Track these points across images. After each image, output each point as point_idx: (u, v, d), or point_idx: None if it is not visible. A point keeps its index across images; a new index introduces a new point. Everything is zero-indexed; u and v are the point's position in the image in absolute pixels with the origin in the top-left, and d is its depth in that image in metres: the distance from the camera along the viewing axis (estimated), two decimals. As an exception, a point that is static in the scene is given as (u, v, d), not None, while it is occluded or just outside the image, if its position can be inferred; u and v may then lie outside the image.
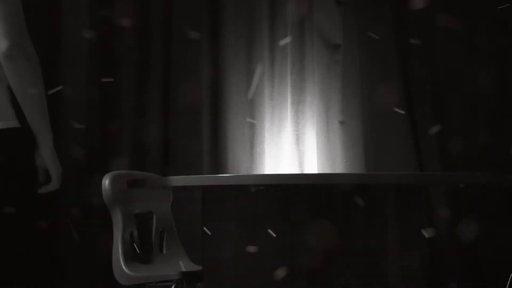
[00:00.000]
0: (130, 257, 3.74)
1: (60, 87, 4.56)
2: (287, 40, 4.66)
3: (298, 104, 4.67)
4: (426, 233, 2.84)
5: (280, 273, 2.73)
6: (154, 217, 4.09)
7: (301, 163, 4.63)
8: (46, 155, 2.69)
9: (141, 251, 3.95)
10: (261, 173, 4.62)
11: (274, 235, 2.72)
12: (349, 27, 4.65)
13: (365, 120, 4.61)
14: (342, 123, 4.62)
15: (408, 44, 4.63)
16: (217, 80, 4.77)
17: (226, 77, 4.76)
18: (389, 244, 2.74)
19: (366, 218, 2.73)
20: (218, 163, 4.69)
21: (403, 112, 4.59)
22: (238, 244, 2.81)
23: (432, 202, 4.52)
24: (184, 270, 3.80)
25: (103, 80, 4.66)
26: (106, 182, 3.58)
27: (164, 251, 4.04)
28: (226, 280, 2.84)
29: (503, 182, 3.01)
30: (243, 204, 2.81)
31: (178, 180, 2.90)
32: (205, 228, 2.73)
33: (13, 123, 2.69)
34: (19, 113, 2.72)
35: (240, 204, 2.81)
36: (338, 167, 4.56)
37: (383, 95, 4.62)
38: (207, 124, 4.74)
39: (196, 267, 3.93)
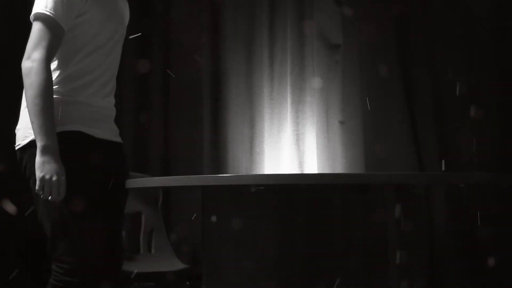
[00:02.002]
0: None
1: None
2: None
3: (298, 104, 4.67)
4: None
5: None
6: (143, 217, 4.09)
7: (301, 163, 4.63)
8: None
9: (129, 250, 3.97)
10: (261, 173, 4.62)
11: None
12: (349, 27, 4.65)
13: (365, 120, 4.61)
14: (342, 123, 4.62)
15: (408, 43, 4.63)
16: (217, 80, 4.76)
17: (226, 78, 4.76)
18: (389, 244, 2.74)
19: (366, 218, 2.73)
20: (218, 163, 4.69)
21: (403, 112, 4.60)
22: (238, 244, 2.81)
23: (432, 202, 4.52)
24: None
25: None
26: None
27: (153, 251, 4.05)
28: (226, 280, 2.84)
29: (503, 182, 3.01)
30: (243, 204, 2.81)
31: (178, 180, 2.90)
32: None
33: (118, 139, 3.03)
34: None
35: (240, 204, 2.81)
36: (338, 167, 4.56)
37: (383, 95, 4.62)
38: (207, 124, 4.74)
39: (185, 266, 3.94)
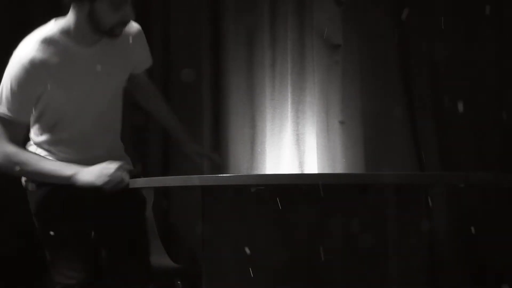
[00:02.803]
0: None
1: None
2: None
3: (298, 104, 4.67)
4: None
5: None
6: None
7: (301, 163, 4.63)
8: None
9: None
10: (261, 173, 4.62)
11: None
12: (349, 27, 4.65)
13: (365, 120, 4.61)
14: (342, 123, 4.62)
15: (408, 43, 4.63)
16: (218, 80, 4.77)
17: (226, 78, 4.76)
18: (389, 245, 2.74)
19: (366, 218, 2.73)
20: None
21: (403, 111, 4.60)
22: (238, 244, 2.81)
23: (432, 202, 4.52)
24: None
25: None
26: None
27: None
28: (226, 280, 2.84)
29: (503, 182, 3.01)
30: (243, 204, 2.81)
31: (178, 180, 2.90)
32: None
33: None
34: None
35: (240, 204, 2.81)
36: (338, 167, 4.56)
37: (383, 95, 4.63)
38: (207, 124, 4.74)
39: (176, 266, 3.95)
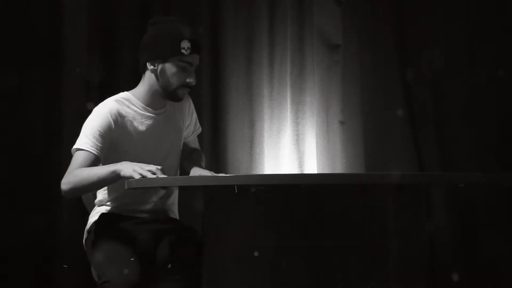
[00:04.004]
0: None
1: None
2: None
3: (298, 104, 4.67)
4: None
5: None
6: None
7: (301, 163, 4.63)
8: None
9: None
10: (261, 173, 4.62)
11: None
12: (349, 27, 4.65)
13: (365, 120, 4.61)
14: (342, 123, 4.62)
15: (408, 43, 4.63)
16: (217, 80, 4.76)
17: (225, 77, 4.75)
18: (389, 244, 2.74)
19: (366, 218, 2.73)
20: (218, 163, 4.69)
21: (403, 112, 4.60)
22: (238, 245, 2.81)
23: (432, 202, 4.52)
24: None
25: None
26: None
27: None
28: (226, 280, 2.84)
29: (503, 182, 3.02)
30: (243, 204, 2.81)
31: (178, 180, 2.90)
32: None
33: None
34: None
35: (240, 204, 2.82)
36: (338, 167, 4.56)
37: (383, 95, 4.63)
38: (207, 124, 4.74)
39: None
